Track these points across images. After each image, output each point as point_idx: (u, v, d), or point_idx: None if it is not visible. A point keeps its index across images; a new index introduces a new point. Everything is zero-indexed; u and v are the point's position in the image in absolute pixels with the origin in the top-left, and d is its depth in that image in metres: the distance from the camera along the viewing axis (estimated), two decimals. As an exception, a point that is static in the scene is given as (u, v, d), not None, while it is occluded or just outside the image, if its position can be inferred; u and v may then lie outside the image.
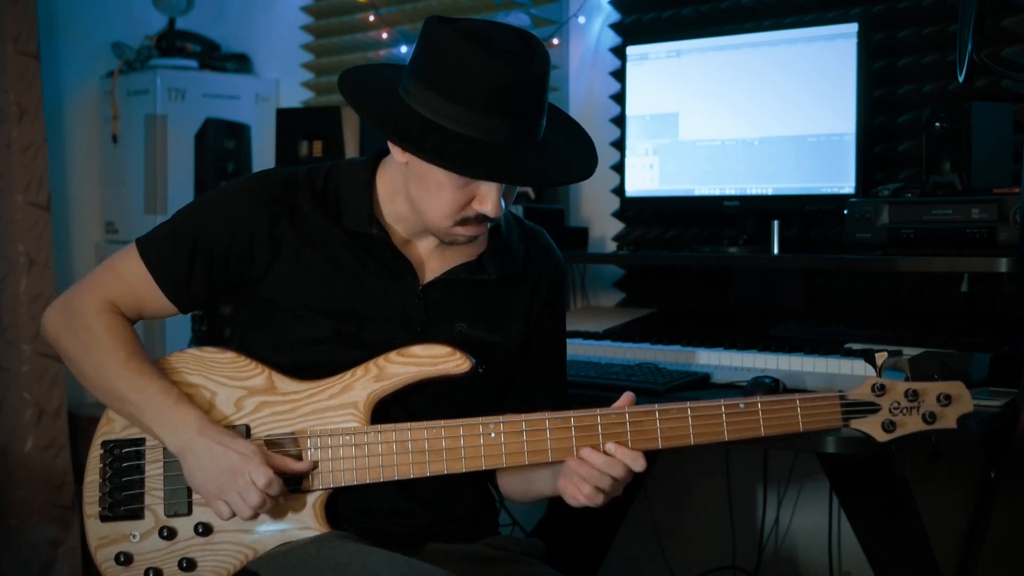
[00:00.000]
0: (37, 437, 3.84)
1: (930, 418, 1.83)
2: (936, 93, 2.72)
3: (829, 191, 2.74)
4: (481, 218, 1.84)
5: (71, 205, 4.21)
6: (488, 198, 1.81)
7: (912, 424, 1.83)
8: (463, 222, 1.84)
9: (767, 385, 2.21)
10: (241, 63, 4.31)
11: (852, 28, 2.70)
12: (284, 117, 3.54)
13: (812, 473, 3.01)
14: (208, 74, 4.17)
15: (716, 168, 2.92)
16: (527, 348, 2.01)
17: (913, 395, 1.83)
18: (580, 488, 1.81)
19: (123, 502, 1.93)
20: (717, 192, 2.93)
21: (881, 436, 1.84)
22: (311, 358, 1.91)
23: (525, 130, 1.79)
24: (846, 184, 2.71)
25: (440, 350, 1.87)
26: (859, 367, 2.25)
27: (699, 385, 2.35)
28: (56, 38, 4.11)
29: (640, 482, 3.25)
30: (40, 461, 3.83)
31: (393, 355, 1.88)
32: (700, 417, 1.83)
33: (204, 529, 1.90)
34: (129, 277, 1.95)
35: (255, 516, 1.86)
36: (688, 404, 1.84)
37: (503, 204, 1.82)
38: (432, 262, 1.95)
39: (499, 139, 1.76)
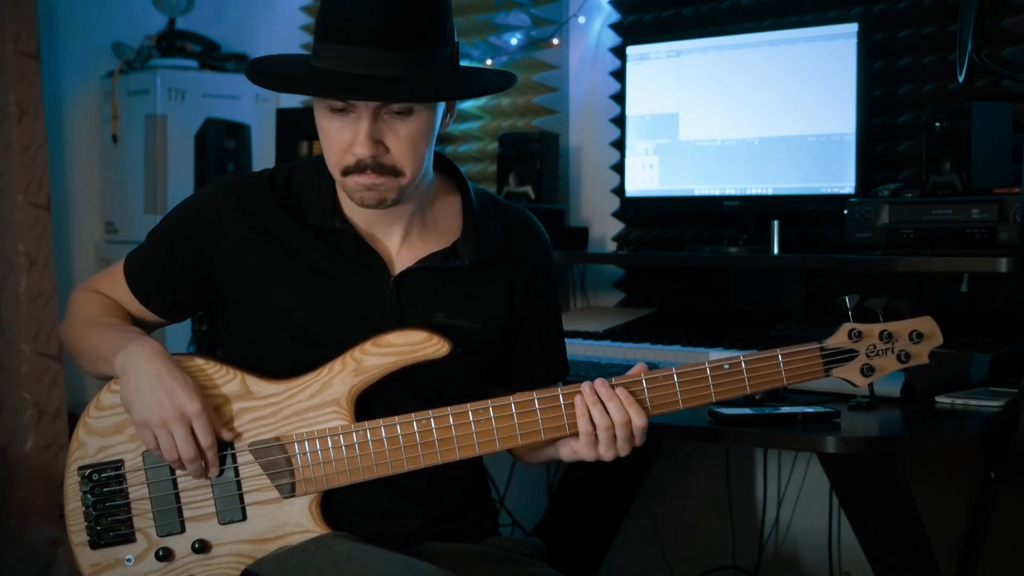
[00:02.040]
0: (37, 437, 3.84)
1: (904, 357, 1.86)
2: (936, 93, 2.72)
3: (829, 191, 2.74)
4: (360, 166, 1.79)
5: (71, 205, 4.21)
6: (356, 136, 1.78)
7: (889, 365, 1.86)
8: (346, 171, 1.81)
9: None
10: (241, 63, 4.30)
11: (852, 28, 2.70)
12: (284, 117, 3.55)
13: (812, 473, 3.01)
14: (208, 74, 4.17)
15: (716, 168, 2.92)
16: (519, 333, 1.98)
17: (887, 336, 1.86)
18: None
19: (112, 528, 1.88)
20: (717, 192, 2.93)
21: (860, 381, 1.87)
22: (289, 360, 1.88)
23: (389, 59, 1.75)
24: (846, 184, 2.71)
25: (417, 335, 1.84)
26: (859, 367, 2.24)
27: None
28: (56, 38, 4.11)
29: (640, 482, 3.25)
30: (40, 461, 3.83)
31: (369, 346, 1.85)
32: (687, 381, 1.84)
33: (201, 546, 1.86)
34: (119, 285, 2.00)
35: (178, 464, 1.83)
36: (673, 369, 1.84)
37: (373, 148, 1.77)
38: (403, 253, 1.92)
39: (351, 67, 1.75)
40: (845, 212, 2.50)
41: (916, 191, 2.48)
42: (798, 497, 3.07)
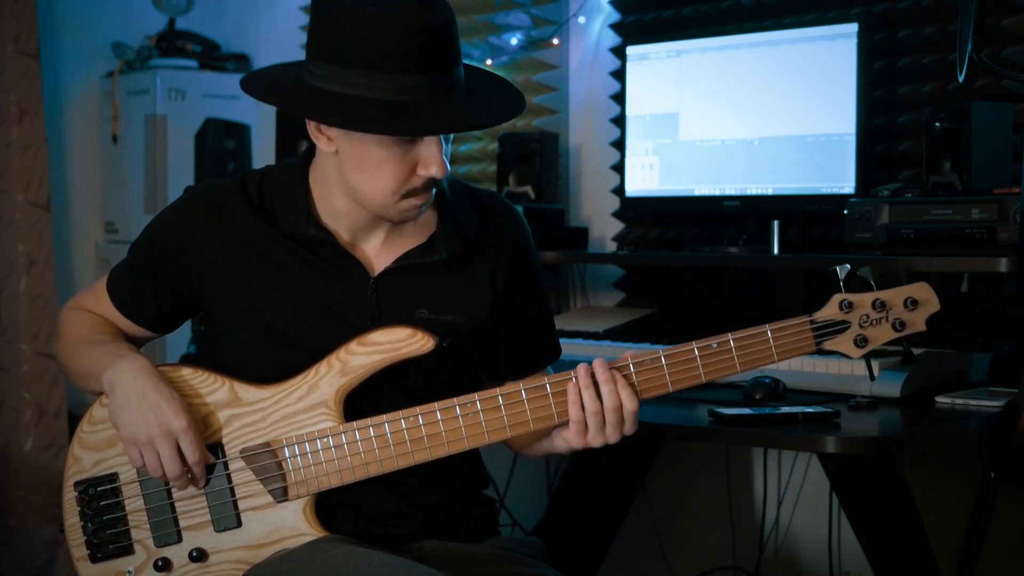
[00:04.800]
0: (37, 437, 3.84)
1: (899, 326, 1.80)
2: (936, 93, 2.72)
3: (829, 191, 2.74)
4: (428, 184, 1.80)
5: (71, 205, 4.21)
6: (432, 159, 1.77)
7: (883, 335, 1.80)
8: (410, 193, 1.80)
9: (767, 385, 2.21)
10: (241, 63, 4.31)
11: (852, 28, 2.70)
12: (284, 117, 3.54)
13: (812, 473, 3.01)
14: (208, 74, 4.17)
15: (716, 168, 2.92)
16: (505, 317, 1.97)
17: (881, 305, 1.80)
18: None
19: (110, 540, 1.88)
20: (717, 192, 2.93)
21: (855, 353, 1.81)
22: (274, 367, 1.88)
23: (442, 81, 1.74)
24: (846, 184, 2.71)
25: (401, 332, 1.83)
26: (859, 367, 2.24)
27: (699, 385, 2.34)
28: (56, 38, 4.11)
29: (640, 482, 3.25)
30: (40, 461, 3.83)
31: (354, 345, 1.84)
32: (675, 364, 1.82)
33: (199, 554, 1.86)
34: (104, 302, 2.01)
35: (164, 479, 1.83)
36: (661, 351, 1.82)
37: (447, 163, 1.79)
38: (381, 254, 1.91)
39: (417, 95, 1.73)
40: (845, 212, 2.50)
41: (916, 191, 2.48)
42: (798, 497, 3.07)
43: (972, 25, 2.07)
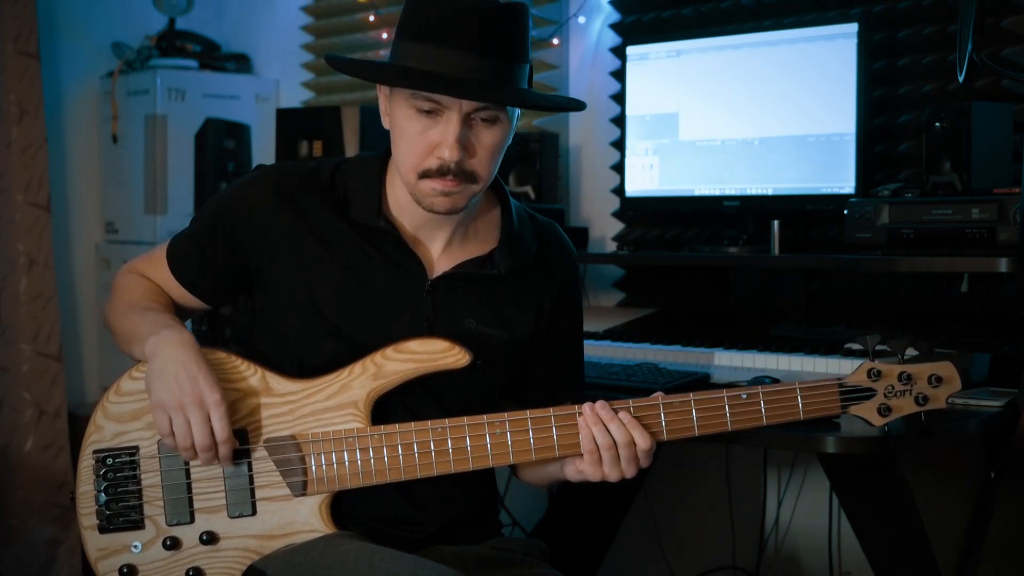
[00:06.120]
0: (37, 437, 3.84)
1: (922, 400, 1.86)
2: (936, 93, 2.72)
3: (829, 191, 2.74)
4: (443, 168, 1.80)
5: (71, 205, 4.21)
6: (444, 140, 1.78)
7: (906, 407, 1.87)
8: (425, 174, 1.82)
9: (767, 385, 2.21)
10: (241, 63, 4.31)
11: (852, 28, 2.70)
12: (284, 117, 3.54)
13: (812, 473, 3.01)
14: (208, 74, 4.17)
15: (716, 168, 2.92)
16: (541, 344, 2.00)
17: (907, 378, 1.86)
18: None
19: (122, 513, 1.88)
20: (717, 192, 2.93)
21: (877, 420, 1.87)
22: (320, 355, 1.89)
23: (482, 65, 1.76)
24: (846, 184, 2.71)
25: (438, 345, 1.86)
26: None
27: (699, 385, 2.35)
28: (56, 38, 4.11)
29: (640, 482, 3.25)
30: (40, 461, 3.83)
31: (390, 351, 1.86)
32: (704, 409, 1.84)
33: (209, 537, 1.87)
34: (161, 269, 2.03)
35: (190, 452, 1.83)
36: (691, 395, 1.85)
37: (461, 152, 1.79)
38: (442, 258, 1.94)
39: (451, 69, 1.75)
40: (845, 212, 2.50)
41: (916, 191, 2.48)
42: (798, 497, 3.07)
43: (972, 25, 2.07)
